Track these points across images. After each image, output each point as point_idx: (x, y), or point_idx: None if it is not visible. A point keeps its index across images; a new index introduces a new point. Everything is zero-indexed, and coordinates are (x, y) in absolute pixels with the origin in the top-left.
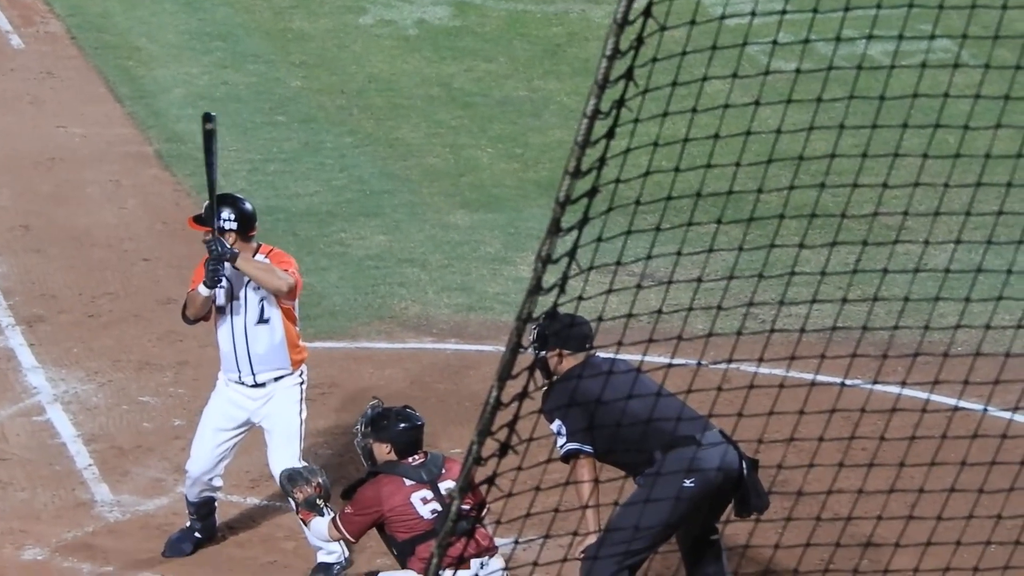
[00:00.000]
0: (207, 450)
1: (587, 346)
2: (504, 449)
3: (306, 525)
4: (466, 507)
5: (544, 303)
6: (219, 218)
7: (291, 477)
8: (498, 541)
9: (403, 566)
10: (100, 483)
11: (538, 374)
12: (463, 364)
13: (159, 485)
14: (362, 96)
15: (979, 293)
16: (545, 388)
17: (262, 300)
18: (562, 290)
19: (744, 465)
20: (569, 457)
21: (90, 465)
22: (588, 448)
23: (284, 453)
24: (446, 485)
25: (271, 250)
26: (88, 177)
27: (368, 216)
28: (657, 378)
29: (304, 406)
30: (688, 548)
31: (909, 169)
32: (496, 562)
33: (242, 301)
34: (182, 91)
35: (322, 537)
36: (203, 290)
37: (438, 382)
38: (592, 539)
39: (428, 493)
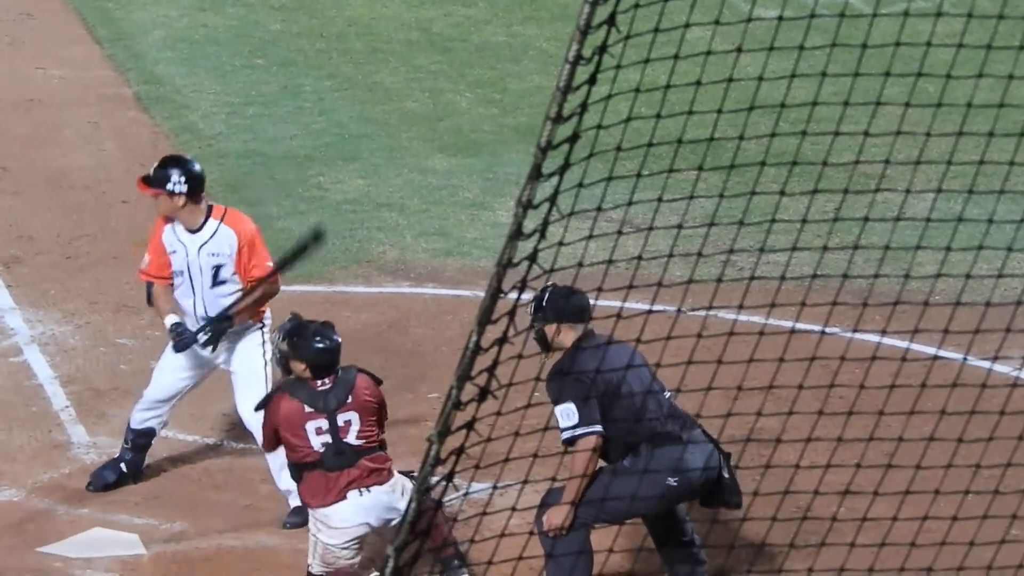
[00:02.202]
0: (167, 375)
1: (585, 318)
2: (483, 394)
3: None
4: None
5: (524, 248)
6: (169, 181)
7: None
8: (475, 486)
9: (296, 482)
10: (77, 424)
11: (533, 338)
12: (440, 309)
13: None
14: (341, 40)
15: (959, 243)
16: (555, 370)
17: (215, 267)
18: (542, 235)
19: (723, 465)
20: (576, 440)
21: (67, 407)
22: (600, 429)
23: (250, 395)
24: (345, 417)
25: (225, 211)
26: (66, 119)
27: (346, 160)
28: (637, 326)
29: (269, 348)
30: (660, 537)
31: (890, 118)
32: (383, 492)
33: (197, 267)
34: (161, 33)
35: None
36: (170, 320)
37: (415, 326)
38: (564, 510)
39: (324, 423)
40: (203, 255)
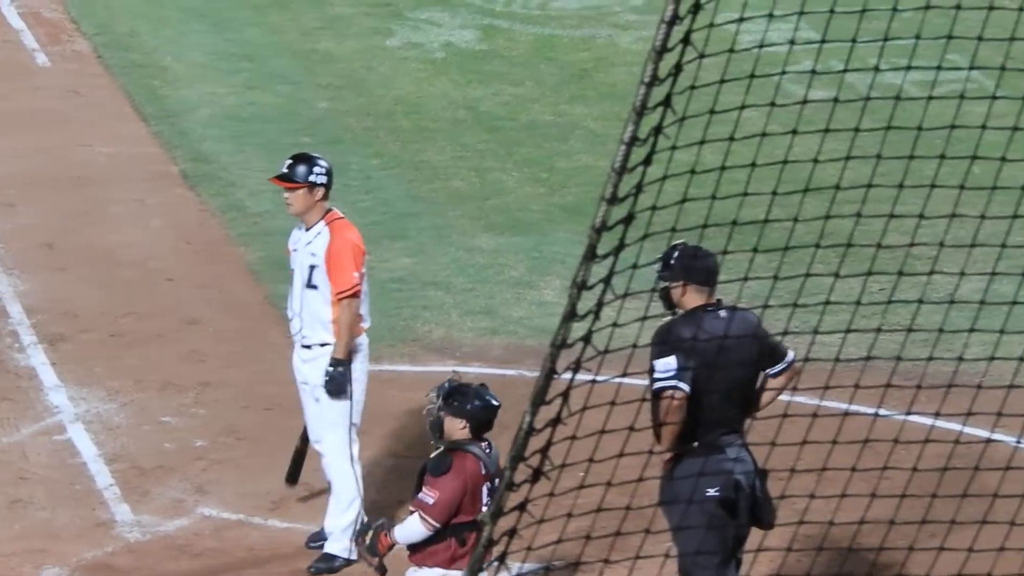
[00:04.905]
0: (304, 410)
1: (711, 281)
2: (536, 475)
3: (391, 549)
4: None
5: (578, 329)
6: (312, 174)
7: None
8: (527, 567)
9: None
10: (121, 503)
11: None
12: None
13: (180, 506)
14: (389, 118)
15: (1013, 325)
16: (665, 324)
17: (310, 267)
18: (596, 316)
19: (759, 482)
20: (663, 391)
21: (111, 485)
22: (687, 388)
23: (327, 421)
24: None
25: (337, 219)
26: (113, 196)
27: (393, 239)
28: None
29: (359, 377)
30: None
31: (943, 200)
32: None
33: (299, 264)
34: (208, 111)
35: (415, 538)
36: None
37: None
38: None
39: (489, 485)
40: (304, 253)
